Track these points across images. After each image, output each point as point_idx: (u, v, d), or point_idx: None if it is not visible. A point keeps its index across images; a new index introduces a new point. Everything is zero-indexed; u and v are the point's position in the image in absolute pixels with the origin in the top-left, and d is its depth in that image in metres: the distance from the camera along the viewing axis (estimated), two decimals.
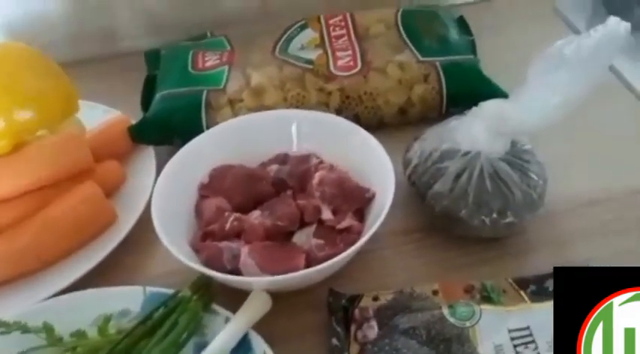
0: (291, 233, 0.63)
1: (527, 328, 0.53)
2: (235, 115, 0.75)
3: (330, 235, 0.61)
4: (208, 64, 0.81)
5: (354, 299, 0.58)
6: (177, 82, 0.79)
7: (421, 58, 0.78)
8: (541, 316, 0.53)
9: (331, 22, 0.85)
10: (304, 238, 0.62)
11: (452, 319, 0.54)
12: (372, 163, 0.65)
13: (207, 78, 0.79)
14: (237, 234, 0.62)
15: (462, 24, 0.88)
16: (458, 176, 0.61)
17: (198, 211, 0.66)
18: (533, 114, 0.59)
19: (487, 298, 0.56)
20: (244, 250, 0.59)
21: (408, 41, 0.80)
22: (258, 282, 0.57)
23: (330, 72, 0.77)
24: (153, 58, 0.87)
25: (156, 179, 0.66)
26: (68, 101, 0.72)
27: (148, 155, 0.74)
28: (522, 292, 0.56)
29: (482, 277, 0.58)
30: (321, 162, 0.67)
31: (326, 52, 0.80)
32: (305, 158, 0.68)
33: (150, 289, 0.59)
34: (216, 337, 0.53)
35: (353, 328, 0.56)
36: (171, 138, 0.75)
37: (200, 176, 0.68)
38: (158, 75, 0.83)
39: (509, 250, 0.63)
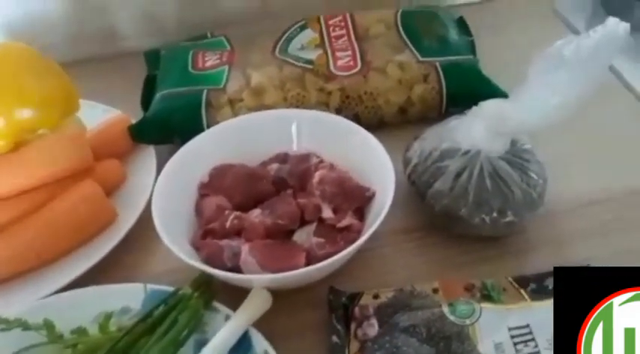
0: (292, 232, 0.63)
1: (527, 326, 0.53)
2: (235, 114, 0.75)
3: (331, 233, 0.61)
4: (208, 63, 0.81)
5: (355, 297, 0.58)
6: (177, 81, 0.79)
7: (421, 58, 0.78)
8: (541, 314, 0.53)
9: (331, 22, 0.85)
10: (304, 236, 0.62)
11: (452, 317, 0.54)
12: (372, 163, 0.65)
13: (207, 78, 0.79)
14: (237, 232, 0.62)
15: (462, 24, 0.89)
16: (458, 175, 0.61)
17: (198, 209, 0.66)
18: (533, 114, 0.59)
19: (487, 297, 0.56)
20: (245, 248, 0.59)
21: (407, 41, 0.81)
22: (258, 280, 0.57)
23: (330, 72, 0.77)
24: (153, 58, 0.87)
25: (156, 178, 0.66)
26: (68, 100, 0.72)
27: (148, 154, 0.75)
28: (522, 291, 0.56)
29: (482, 276, 0.59)
30: (322, 161, 0.67)
31: (326, 52, 0.80)
32: (305, 157, 0.68)
33: (150, 286, 0.59)
34: (217, 334, 0.53)
35: (353, 325, 0.56)
36: (172, 137, 0.75)
37: (200, 175, 0.68)
38: (158, 75, 0.83)
39: (509, 249, 0.63)
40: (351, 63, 0.78)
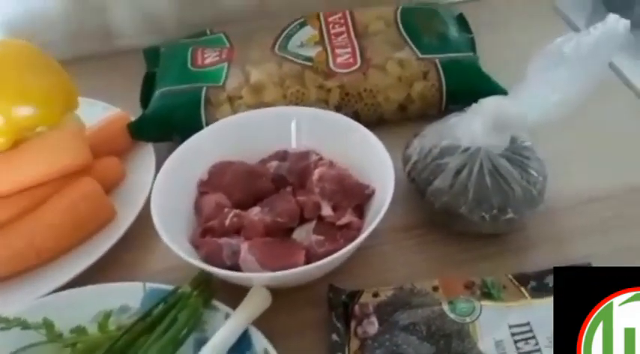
0: (291, 229, 0.63)
1: (528, 323, 0.53)
2: (235, 111, 0.75)
3: (330, 231, 0.61)
4: (207, 61, 0.81)
5: (354, 295, 0.58)
6: (176, 79, 0.79)
7: (421, 56, 0.78)
8: (541, 311, 0.53)
9: (330, 19, 0.85)
10: (304, 234, 0.62)
11: (452, 315, 0.54)
12: (372, 160, 0.65)
13: (206, 75, 0.79)
14: (236, 230, 0.62)
15: (462, 21, 0.88)
16: (458, 172, 0.61)
17: (197, 207, 0.66)
18: (533, 111, 0.59)
19: (487, 294, 0.56)
20: (244, 247, 0.59)
21: (407, 38, 0.80)
22: (258, 278, 0.57)
23: (329, 69, 0.77)
24: (152, 55, 0.87)
25: (155, 176, 0.66)
26: (68, 98, 0.72)
27: (147, 152, 0.74)
28: (522, 288, 0.56)
29: (482, 273, 0.58)
30: (321, 159, 0.67)
31: (325, 50, 0.80)
32: (304, 155, 0.68)
33: (150, 285, 0.59)
34: (217, 333, 0.53)
35: (353, 324, 0.56)
36: (171, 135, 0.75)
37: (199, 173, 0.68)
38: (157, 72, 0.83)
39: (509, 247, 0.63)
40: (351, 60, 0.78)
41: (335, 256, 0.56)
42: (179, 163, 0.66)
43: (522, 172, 0.61)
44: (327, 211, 0.62)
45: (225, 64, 0.79)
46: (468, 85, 0.76)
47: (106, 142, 0.73)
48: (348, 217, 0.61)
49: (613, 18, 0.56)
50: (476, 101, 0.63)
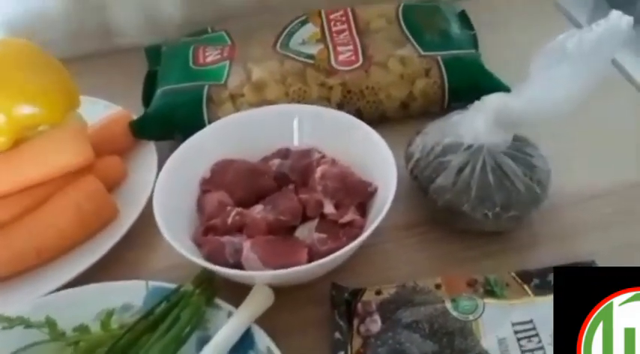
0: (294, 228, 0.63)
1: (531, 321, 0.53)
2: (237, 110, 0.75)
3: (333, 229, 0.61)
4: (209, 59, 0.81)
5: (357, 293, 0.58)
6: (178, 77, 0.79)
7: (422, 53, 0.77)
8: (544, 309, 0.53)
9: (332, 16, 0.85)
10: (306, 232, 0.61)
11: (455, 313, 0.54)
12: (374, 158, 0.65)
13: (208, 73, 0.78)
14: (239, 228, 0.62)
15: (464, 18, 0.88)
16: (460, 170, 0.61)
17: (200, 205, 0.66)
18: (536, 108, 0.59)
19: (490, 292, 0.56)
20: (247, 245, 0.59)
21: (409, 36, 0.80)
22: (260, 276, 0.57)
23: (331, 67, 0.77)
24: (154, 54, 0.87)
25: (157, 174, 0.66)
26: (69, 96, 0.72)
27: (149, 150, 0.74)
28: (525, 286, 0.56)
29: (485, 271, 0.58)
30: (323, 156, 0.67)
31: (327, 47, 0.80)
32: (307, 153, 0.68)
33: (152, 283, 0.59)
34: (219, 331, 0.53)
35: (356, 322, 0.56)
36: (173, 133, 0.75)
37: (202, 171, 0.68)
38: (159, 71, 0.83)
39: (512, 244, 0.63)
40: (353, 58, 0.78)
41: (337, 254, 0.56)
42: (181, 161, 0.66)
43: (525, 169, 0.61)
44: (329, 209, 0.62)
45: (227, 62, 0.79)
46: (470, 82, 0.76)
47: (108, 140, 0.73)
48: (350, 215, 0.61)
49: (616, 14, 0.56)
50: (478, 98, 0.63)
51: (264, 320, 0.55)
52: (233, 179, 0.66)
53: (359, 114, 0.75)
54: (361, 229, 0.61)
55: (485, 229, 0.62)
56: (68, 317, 0.56)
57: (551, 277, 0.56)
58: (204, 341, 0.54)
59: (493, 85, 0.73)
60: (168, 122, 0.75)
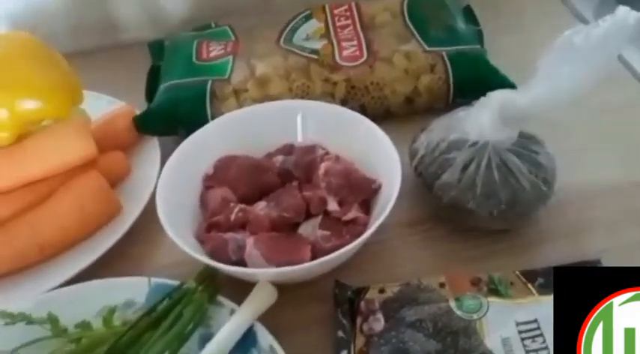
0: (297, 224, 0.62)
1: (535, 321, 0.53)
2: (240, 105, 0.75)
3: (336, 226, 0.60)
4: (213, 54, 0.81)
5: (360, 291, 0.58)
6: (181, 72, 0.78)
7: (427, 48, 0.77)
8: (549, 309, 0.51)
9: (336, 11, 0.84)
10: (310, 229, 0.61)
11: (459, 312, 0.54)
12: (378, 154, 0.64)
13: (211, 68, 0.78)
14: (242, 225, 0.62)
15: (469, 13, 0.87)
16: (465, 167, 0.61)
17: (203, 202, 0.66)
18: (542, 104, 0.58)
19: (494, 291, 0.56)
20: (250, 241, 0.59)
21: (414, 31, 0.80)
22: (263, 274, 0.57)
23: (335, 62, 0.77)
24: (157, 48, 0.87)
25: (160, 170, 0.66)
26: (73, 91, 0.72)
27: (152, 146, 0.74)
28: (530, 285, 0.56)
29: (489, 269, 0.58)
30: (327, 153, 0.67)
31: (331, 42, 0.79)
32: (310, 149, 0.67)
33: (155, 280, 0.58)
34: (222, 329, 0.53)
35: (359, 320, 0.56)
36: (176, 128, 0.75)
37: (205, 167, 0.67)
38: (162, 66, 0.82)
39: (517, 242, 0.63)
40: (357, 53, 0.77)
41: (341, 251, 0.55)
42: (184, 157, 0.66)
43: (531, 166, 0.60)
44: (333, 206, 0.62)
45: (231, 58, 0.79)
46: (475, 78, 0.75)
47: (111, 136, 0.73)
48: (354, 213, 0.61)
49: (623, 10, 0.55)
50: (484, 94, 0.62)
51: (267, 318, 0.55)
52: (236, 175, 0.66)
53: (363, 110, 0.75)
54: (365, 226, 0.60)
55: (490, 226, 0.62)
56: (70, 314, 0.56)
57: None
58: (206, 339, 0.53)
59: (498, 81, 0.73)
60: (171, 117, 0.75)
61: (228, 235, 0.60)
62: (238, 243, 0.60)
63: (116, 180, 0.71)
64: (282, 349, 0.53)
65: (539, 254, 0.61)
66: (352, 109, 0.70)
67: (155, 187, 0.63)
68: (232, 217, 0.62)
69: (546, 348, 0.51)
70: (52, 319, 0.55)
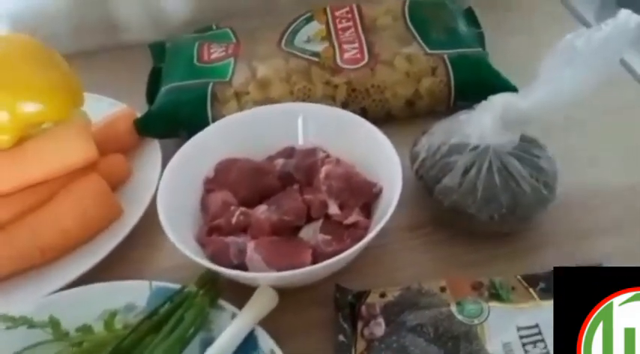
0: (298, 228, 0.62)
1: (536, 326, 0.53)
2: (241, 107, 0.74)
3: (337, 230, 0.60)
4: (214, 56, 0.81)
5: (361, 295, 0.58)
6: (182, 74, 0.78)
7: (429, 51, 0.77)
8: (550, 313, 0.51)
9: (337, 13, 0.84)
10: (311, 233, 0.61)
11: (460, 317, 0.54)
12: (379, 157, 0.64)
13: (212, 70, 0.78)
14: (243, 228, 0.62)
15: (470, 15, 0.87)
16: (466, 171, 0.60)
17: (204, 205, 0.66)
18: (543, 108, 0.58)
19: (496, 296, 0.56)
20: (250, 245, 0.59)
21: (415, 33, 0.80)
22: (264, 278, 0.57)
23: (336, 65, 0.77)
24: (158, 50, 0.87)
25: (161, 173, 0.66)
26: (74, 94, 0.72)
27: (153, 148, 0.74)
28: (531, 290, 0.56)
29: (490, 274, 0.58)
30: (328, 156, 0.67)
31: (332, 45, 0.79)
32: (311, 152, 0.67)
33: (156, 283, 0.58)
34: (223, 333, 0.53)
35: (360, 324, 0.56)
36: (177, 131, 0.75)
37: (206, 170, 0.67)
38: (163, 68, 0.82)
39: (518, 246, 0.62)
40: (358, 56, 0.77)
41: (342, 256, 0.55)
42: (185, 160, 0.66)
43: (532, 170, 0.60)
44: (333, 209, 0.62)
45: (232, 60, 0.79)
46: (476, 81, 0.75)
47: (112, 138, 0.73)
48: (355, 216, 0.61)
49: (624, 13, 0.55)
50: (485, 97, 0.62)
51: (268, 321, 0.55)
52: (237, 178, 0.66)
53: (364, 113, 0.75)
54: (366, 230, 0.60)
55: (491, 230, 0.62)
56: (71, 317, 0.56)
57: None
58: (207, 343, 0.53)
59: (500, 84, 0.73)
60: (172, 120, 0.75)
61: (229, 239, 0.60)
62: (239, 247, 0.60)
63: (117, 183, 0.71)
64: (282, 353, 0.53)
65: (540, 258, 0.61)
66: (353, 111, 0.70)
67: (156, 190, 0.63)
68: (233, 220, 0.62)
69: (547, 353, 0.51)
70: (54, 323, 0.55)
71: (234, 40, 0.83)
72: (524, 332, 0.52)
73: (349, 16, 0.84)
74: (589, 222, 0.64)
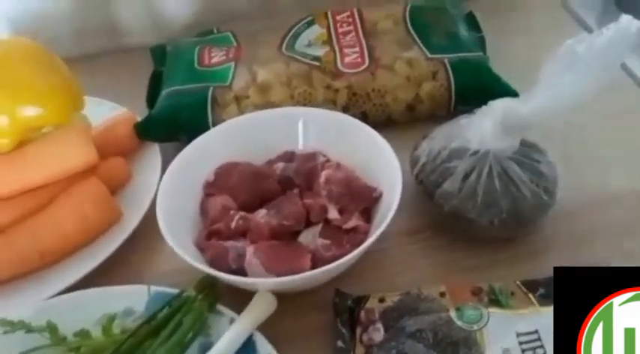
0: (297, 232, 0.62)
1: (536, 331, 0.52)
2: (241, 112, 0.74)
3: (337, 235, 0.60)
4: (214, 60, 0.80)
5: (360, 300, 0.57)
6: (183, 78, 0.78)
7: (430, 55, 0.77)
8: (549, 319, 0.51)
9: (338, 18, 0.84)
10: (310, 237, 0.61)
11: (459, 322, 0.54)
12: (379, 162, 0.64)
13: (213, 74, 0.78)
14: (242, 233, 0.62)
15: (471, 20, 0.87)
16: (466, 176, 0.60)
17: (203, 209, 0.65)
18: (544, 113, 0.58)
19: (495, 301, 0.55)
20: (250, 250, 0.59)
21: (416, 38, 0.80)
22: (263, 283, 0.57)
23: (337, 69, 0.76)
24: (159, 54, 0.87)
25: (161, 176, 0.66)
26: (74, 97, 0.72)
27: (153, 152, 0.74)
28: (531, 295, 0.55)
29: (490, 279, 0.58)
30: (328, 160, 0.67)
31: (333, 49, 0.79)
32: (311, 156, 0.67)
33: (154, 288, 0.58)
34: (221, 338, 0.53)
35: (359, 330, 0.55)
36: (177, 135, 0.74)
37: (206, 174, 0.67)
38: (164, 71, 0.82)
39: (518, 252, 0.62)
40: (359, 60, 0.77)
41: (341, 261, 0.55)
42: (185, 164, 0.66)
43: (532, 175, 0.60)
44: (333, 214, 0.62)
45: (232, 64, 0.79)
46: (477, 86, 0.75)
47: (112, 142, 0.73)
48: (354, 221, 0.61)
49: (626, 19, 0.55)
50: (486, 102, 0.62)
51: (267, 326, 0.55)
52: (237, 182, 0.66)
53: (364, 117, 0.75)
54: (365, 235, 0.60)
55: (491, 235, 0.62)
56: (69, 322, 0.56)
57: None
58: (206, 348, 0.53)
59: (501, 89, 0.73)
60: (172, 124, 0.75)
61: (229, 244, 0.60)
62: (238, 251, 0.59)
63: (117, 186, 0.71)
64: None
65: (540, 264, 0.60)
66: (354, 116, 0.70)
67: (156, 194, 0.63)
68: (233, 224, 0.62)
69: None
70: (51, 328, 0.55)
71: (234, 44, 0.83)
72: (523, 338, 0.52)
73: (350, 20, 0.84)
74: (590, 227, 0.64)
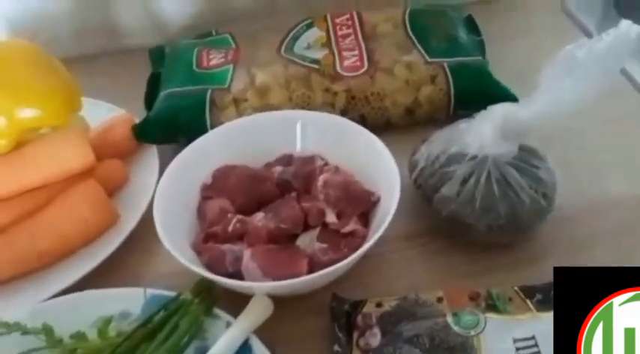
0: (295, 236, 0.62)
1: (533, 337, 0.52)
2: (240, 114, 0.74)
3: (334, 239, 0.60)
4: (213, 62, 0.80)
5: (358, 305, 0.57)
6: (181, 80, 0.78)
7: (429, 59, 0.77)
8: (547, 325, 0.51)
9: (338, 21, 0.84)
10: (308, 241, 0.61)
11: (456, 328, 0.53)
12: (378, 166, 0.64)
13: (211, 77, 0.78)
14: (240, 236, 0.61)
15: (471, 24, 0.87)
16: (465, 180, 0.60)
17: (200, 212, 0.65)
18: (544, 118, 0.58)
19: (492, 307, 0.55)
20: (247, 253, 0.59)
21: (415, 41, 0.79)
22: (259, 287, 0.57)
23: (336, 72, 0.76)
24: (157, 55, 0.87)
25: (159, 178, 0.65)
26: (72, 99, 0.72)
27: (151, 154, 0.74)
28: (528, 301, 0.55)
29: (488, 285, 0.57)
30: (326, 164, 0.67)
31: (332, 52, 0.79)
32: (310, 160, 0.67)
33: (150, 291, 0.58)
34: (217, 341, 0.53)
35: (355, 334, 0.55)
36: (175, 137, 0.74)
37: (203, 176, 0.67)
38: (162, 73, 0.82)
39: (517, 257, 0.62)
40: (358, 63, 0.77)
41: (338, 265, 0.55)
42: (183, 166, 0.66)
43: (531, 181, 0.60)
44: (331, 218, 0.61)
45: (231, 66, 0.79)
46: (476, 90, 0.75)
47: (110, 144, 0.73)
48: (352, 225, 0.61)
49: (625, 24, 0.55)
50: (485, 106, 0.62)
51: (264, 330, 0.55)
52: (235, 185, 0.66)
53: (363, 120, 0.74)
54: (363, 239, 0.60)
55: (489, 241, 0.62)
56: (65, 324, 0.55)
57: None
58: (202, 351, 0.53)
59: (500, 93, 0.73)
60: (170, 126, 0.75)
61: (226, 247, 0.60)
62: (235, 254, 0.59)
63: (114, 188, 0.70)
64: None
65: (538, 269, 0.60)
66: (352, 119, 0.70)
67: (153, 196, 0.63)
68: (230, 228, 0.61)
69: None
70: (47, 330, 0.55)
71: (233, 46, 0.83)
72: (520, 344, 0.52)
73: (349, 23, 0.83)
74: (588, 233, 0.64)
